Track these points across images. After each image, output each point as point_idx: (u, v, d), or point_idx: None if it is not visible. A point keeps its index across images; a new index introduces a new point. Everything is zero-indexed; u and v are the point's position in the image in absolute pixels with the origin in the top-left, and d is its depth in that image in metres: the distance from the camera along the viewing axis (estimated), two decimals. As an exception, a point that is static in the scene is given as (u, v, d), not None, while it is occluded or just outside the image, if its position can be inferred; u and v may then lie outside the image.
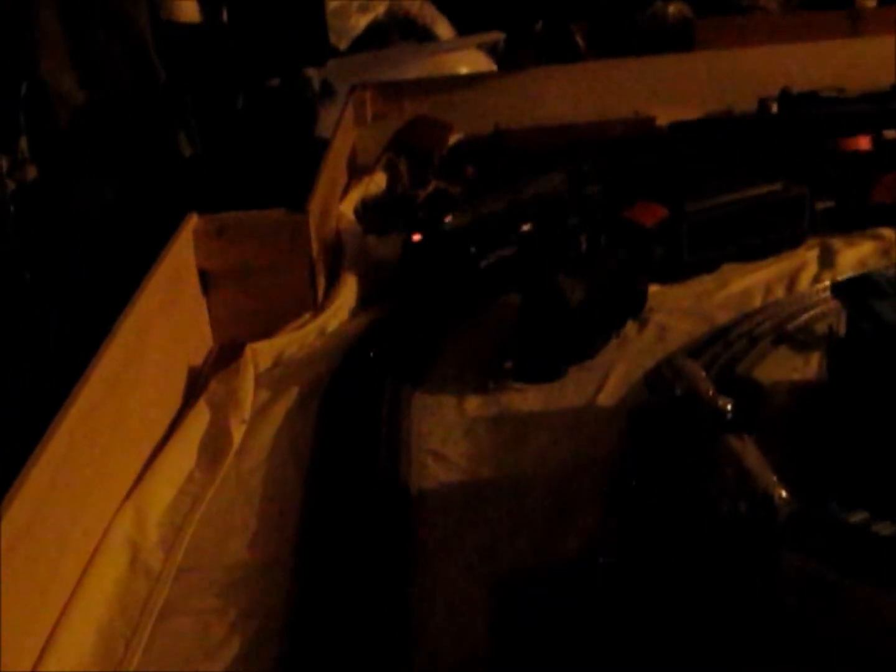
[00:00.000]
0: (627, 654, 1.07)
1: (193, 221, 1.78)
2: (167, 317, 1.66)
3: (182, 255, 1.74)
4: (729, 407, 1.24)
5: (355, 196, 2.23)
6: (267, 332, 1.76)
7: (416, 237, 1.85)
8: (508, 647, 1.12)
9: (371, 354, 1.67)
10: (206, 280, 1.79)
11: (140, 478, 1.47)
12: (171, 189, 2.12)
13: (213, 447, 1.55)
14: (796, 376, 1.57)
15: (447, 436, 1.52)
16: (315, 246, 1.81)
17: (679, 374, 1.33)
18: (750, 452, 1.17)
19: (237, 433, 1.57)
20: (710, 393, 1.27)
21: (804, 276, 1.89)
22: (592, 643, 1.09)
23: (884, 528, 1.02)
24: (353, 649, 1.17)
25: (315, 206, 1.85)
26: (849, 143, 2.11)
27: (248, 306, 1.79)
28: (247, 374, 1.67)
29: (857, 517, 1.04)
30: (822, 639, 1.02)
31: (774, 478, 1.12)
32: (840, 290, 1.45)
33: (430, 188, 2.26)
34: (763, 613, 1.04)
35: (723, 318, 1.76)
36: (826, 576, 1.00)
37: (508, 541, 1.30)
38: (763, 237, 1.95)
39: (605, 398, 1.57)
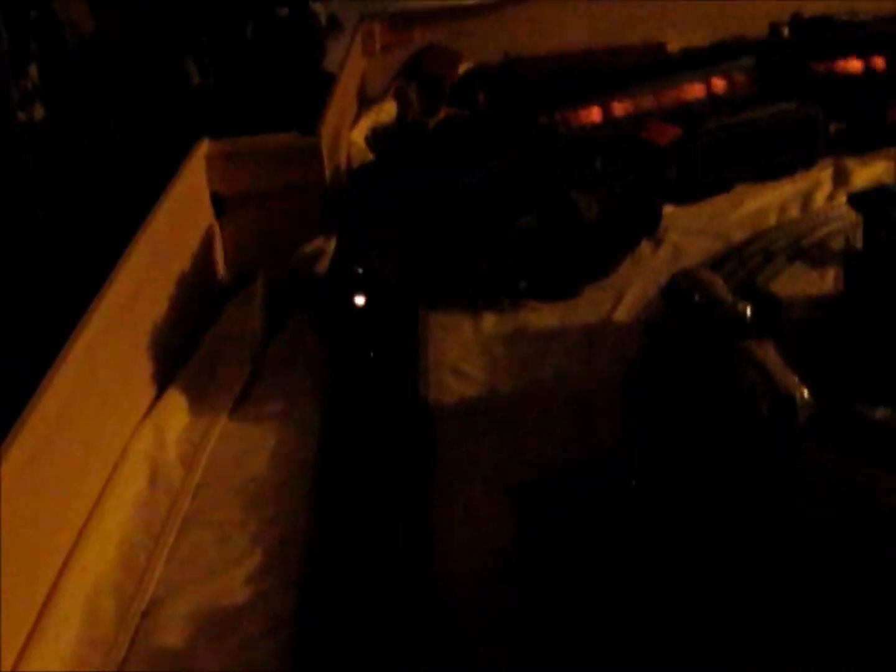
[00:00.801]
0: (650, 558, 1.07)
1: (205, 146, 1.77)
2: (180, 240, 1.65)
3: (194, 180, 1.73)
4: (748, 312, 1.24)
5: (366, 124, 2.22)
6: (280, 256, 1.75)
7: (360, 300, 1.53)
8: (531, 554, 1.12)
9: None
10: (219, 204, 1.78)
11: (158, 398, 1.47)
12: (181, 116, 2.11)
13: (230, 369, 1.55)
14: (812, 291, 1.57)
15: (465, 353, 1.52)
16: (328, 170, 1.80)
17: (696, 282, 1.33)
18: (770, 356, 1.16)
19: (252, 354, 1.57)
20: (729, 299, 1.27)
21: (819, 195, 1.88)
22: (616, 547, 1.09)
23: (908, 423, 1.02)
24: (375, 559, 1.17)
25: (326, 130, 1.84)
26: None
27: (261, 230, 1.78)
28: (261, 297, 1.67)
29: (881, 413, 1.04)
30: (845, 539, 1.02)
31: (796, 379, 1.12)
32: (857, 200, 1.44)
33: (441, 116, 2.25)
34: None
35: (738, 236, 1.76)
36: (850, 470, 1.00)
37: (528, 451, 1.30)
38: (777, 157, 1.94)
39: (621, 315, 1.57)
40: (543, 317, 1.58)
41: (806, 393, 1.09)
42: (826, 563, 1.00)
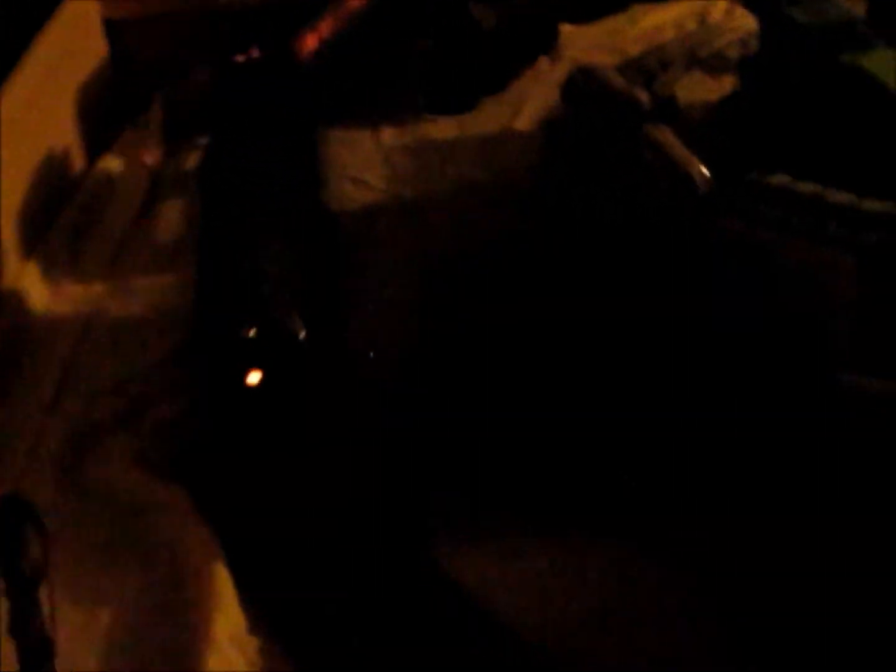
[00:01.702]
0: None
1: (95, -31, 1.73)
2: (71, 65, 1.62)
3: (85, 5, 1.69)
4: (645, 98, 1.24)
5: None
6: (176, 81, 1.72)
7: (254, 377, 1.12)
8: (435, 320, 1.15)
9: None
10: (112, 30, 1.74)
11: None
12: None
13: (128, 188, 1.55)
14: (710, 97, 1.57)
15: (366, 164, 1.52)
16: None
17: (593, 76, 1.32)
18: (669, 138, 1.17)
19: (150, 175, 1.57)
20: (627, 88, 1.27)
21: (715, 12, 1.87)
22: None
23: (806, 187, 1.03)
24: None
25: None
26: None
27: (156, 55, 1.75)
28: (158, 120, 1.65)
29: (778, 179, 1.05)
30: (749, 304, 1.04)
31: (694, 157, 1.13)
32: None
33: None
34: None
35: (636, 51, 1.75)
36: (750, 234, 1.02)
37: (432, 246, 1.32)
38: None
39: (522, 124, 1.57)
40: (443, 128, 1.58)
41: (703, 169, 1.10)
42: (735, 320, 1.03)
